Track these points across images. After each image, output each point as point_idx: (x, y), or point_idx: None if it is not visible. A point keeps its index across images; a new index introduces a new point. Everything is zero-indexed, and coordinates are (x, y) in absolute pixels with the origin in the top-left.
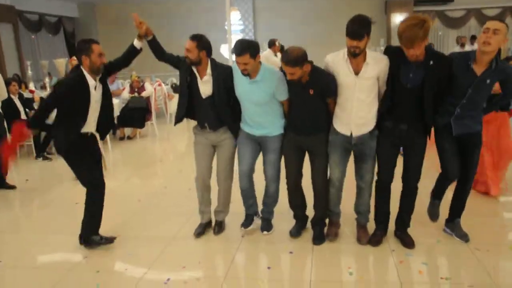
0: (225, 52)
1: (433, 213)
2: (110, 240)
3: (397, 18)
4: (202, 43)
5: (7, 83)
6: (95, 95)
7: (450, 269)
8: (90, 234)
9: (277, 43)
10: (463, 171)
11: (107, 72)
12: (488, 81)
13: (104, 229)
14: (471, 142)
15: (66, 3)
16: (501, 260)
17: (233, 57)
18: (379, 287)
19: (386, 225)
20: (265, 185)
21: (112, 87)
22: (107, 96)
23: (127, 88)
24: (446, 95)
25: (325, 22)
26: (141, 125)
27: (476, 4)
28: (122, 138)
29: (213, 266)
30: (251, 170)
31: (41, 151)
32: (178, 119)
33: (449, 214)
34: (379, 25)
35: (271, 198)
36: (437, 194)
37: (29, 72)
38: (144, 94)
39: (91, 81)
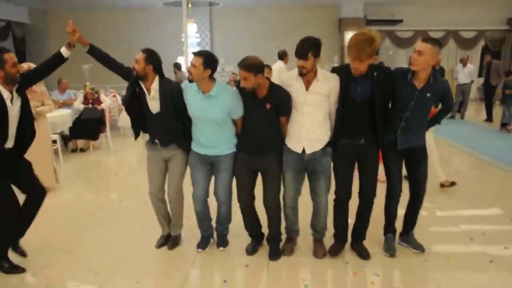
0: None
1: (390, 249)
2: (18, 269)
3: (350, 36)
4: (151, 57)
5: None
6: (13, 108)
7: (401, 279)
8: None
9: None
10: (413, 185)
11: (26, 81)
12: (428, 94)
13: (57, 242)
14: (417, 155)
15: (16, 8)
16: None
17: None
18: None
19: (344, 239)
20: (217, 206)
21: (63, 97)
22: (26, 108)
23: (80, 98)
24: (392, 110)
25: (282, 37)
26: (95, 137)
27: (423, 27)
28: (74, 150)
29: (168, 280)
30: (206, 194)
31: None
32: (136, 134)
33: (403, 227)
34: (333, 42)
35: (223, 218)
36: (389, 226)
37: None
38: (103, 106)
39: (5, 93)
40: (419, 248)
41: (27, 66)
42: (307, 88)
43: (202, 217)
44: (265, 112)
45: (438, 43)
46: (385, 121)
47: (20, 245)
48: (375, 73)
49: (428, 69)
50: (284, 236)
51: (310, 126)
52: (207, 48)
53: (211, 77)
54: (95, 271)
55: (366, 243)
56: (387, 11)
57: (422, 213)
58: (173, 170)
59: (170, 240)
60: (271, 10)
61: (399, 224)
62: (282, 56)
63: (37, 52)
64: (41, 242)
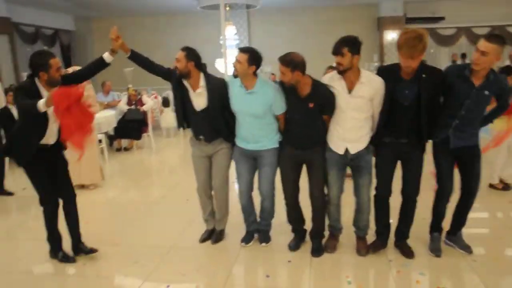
0: (220, 67)
1: (435, 249)
2: (70, 259)
3: (389, 35)
4: (191, 54)
5: (4, 93)
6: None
7: (447, 279)
8: (54, 248)
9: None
10: (465, 185)
11: (68, 83)
12: (486, 92)
13: (105, 236)
14: (470, 154)
15: (62, 16)
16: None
17: (228, 72)
18: None
19: (386, 237)
20: (260, 200)
21: (108, 99)
22: None
23: (124, 100)
24: (445, 108)
25: (320, 37)
26: (138, 137)
27: (466, 23)
28: (119, 149)
29: (212, 273)
30: (250, 188)
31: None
32: (180, 124)
33: (450, 227)
34: (372, 41)
35: (266, 213)
36: (435, 225)
37: None
38: (145, 108)
39: (45, 93)
40: (467, 249)
41: (72, 69)
42: (349, 91)
43: (247, 211)
44: (308, 110)
45: (503, 40)
46: (435, 121)
47: (86, 245)
48: (423, 75)
49: (487, 69)
50: (327, 234)
51: (353, 129)
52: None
53: (255, 73)
54: (141, 263)
55: (410, 242)
56: (427, 9)
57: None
58: (218, 164)
59: (214, 235)
60: (308, 10)
61: (446, 223)
62: None
63: (82, 58)
64: (90, 235)
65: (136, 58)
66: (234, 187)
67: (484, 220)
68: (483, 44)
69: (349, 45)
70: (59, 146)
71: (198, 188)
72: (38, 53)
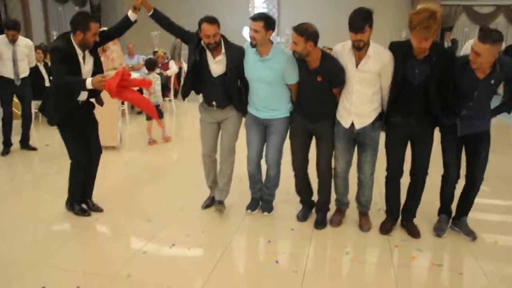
0: (247, 35)
1: (438, 228)
2: (86, 212)
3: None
4: (219, 25)
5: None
6: (85, 66)
7: (443, 257)
8: (72, 201)
9: None
10: (471, 171)
11: (97, 43)
12: (492, 81)
13: (120, 193)
14: (477, 141)
15: None
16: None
17: None
18: (372, 267)
19: (396, 216)
20: (266, 169)
21: (133, 62)
22: (97, 66)
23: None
24: (452, 97)
25: (349, 11)
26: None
27: (507, 1)
28: (140, 112)
29: (216, 235)
30: (259, 155)
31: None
32: (185, 94)
33: (456, 212)
34: (405, 17)
35: (271, 182)
36: (443, 207)
37: None
38: (168, 72)
39: (79, 51)
40: (471, 234)
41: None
42: (357, 65)
43: (254, 178)
44: (316, 83)
45: (499, 37)
46: (444, 103)
47: (95, 202)
48: (434, 59)
49: (489, 63)
50: (333, 208)
51: (358, 103)
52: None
53: (270, 40)
54: (151, 222)
55: (416, 221)
56: None
57: (478, 199)
58: (227, 130)
59: (216, 202)
60: None
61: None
62: None
63: (111, 18)
64: (106, 192)
65: (159, 17)
66: (243, 155)
67: (491, 205)
68: (476, 45)
69: (369, 20)
70: (90, 105)
71: (204, 153)
72: (83, 13)
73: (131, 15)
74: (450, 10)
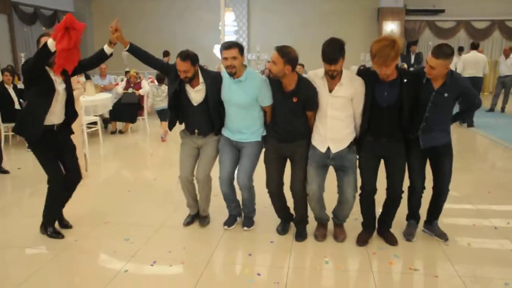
0: (218, 53)
1: (407, 233)
2: (60, 235)
3: (389, 26)
4: (193, 59)
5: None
6: (58, 88)
7: (419, 262)
8: (46, 224)
9: None
10: (437, 184)
11: (72, 73)
12: (446, 94)
13: (98, 215)
14: (440, 154)
15: None
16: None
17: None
18: (352, 274)
19: (372, 227)
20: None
21: (104, 82)
22: (68, 91)
23: (122, 84)
24: (412, 110)
25: (319, 28)
26: (133, 120)
27: (466, 16)
28: (113, 132)
29: (197, 251)
30: (231, 176)
31: None
32: (172, 124)
33: (426, 217)
34: (371, 32)
35: (246, 203)
36: (411, 213)
37: None
38: (141, 92)
39: (52, 75)
40: (443, 236)
41: None
42: (330, 90)
43: (228, 197)
44: (292, 105)
45: (450, 52)
46: (412, 119)
47: (65, 218)
48: (405, 80)
49: (442, 74)
50: (314, 223)
51: (334, 128)
52: (244, 36)
53: (243, 64)
54: (131, 240)
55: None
56: (428, 1)
57: (450, 205)
58: (206, 155)
59: (200, 219)
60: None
61: (423, 211)
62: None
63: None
64: (84, 214)
65: (135, 51)
66: (217, 173)
67: (462, 210)
68: (430, 60)
69: (342, 52)
70: (66, 130)
71: (181, 176)
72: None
73: (107, 49)
74: (414, 25)
